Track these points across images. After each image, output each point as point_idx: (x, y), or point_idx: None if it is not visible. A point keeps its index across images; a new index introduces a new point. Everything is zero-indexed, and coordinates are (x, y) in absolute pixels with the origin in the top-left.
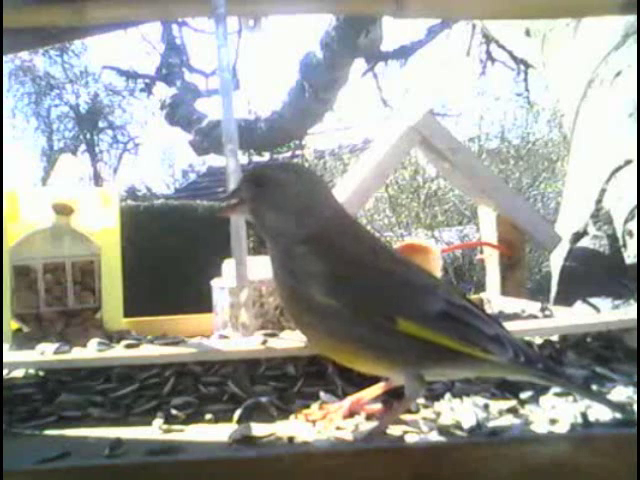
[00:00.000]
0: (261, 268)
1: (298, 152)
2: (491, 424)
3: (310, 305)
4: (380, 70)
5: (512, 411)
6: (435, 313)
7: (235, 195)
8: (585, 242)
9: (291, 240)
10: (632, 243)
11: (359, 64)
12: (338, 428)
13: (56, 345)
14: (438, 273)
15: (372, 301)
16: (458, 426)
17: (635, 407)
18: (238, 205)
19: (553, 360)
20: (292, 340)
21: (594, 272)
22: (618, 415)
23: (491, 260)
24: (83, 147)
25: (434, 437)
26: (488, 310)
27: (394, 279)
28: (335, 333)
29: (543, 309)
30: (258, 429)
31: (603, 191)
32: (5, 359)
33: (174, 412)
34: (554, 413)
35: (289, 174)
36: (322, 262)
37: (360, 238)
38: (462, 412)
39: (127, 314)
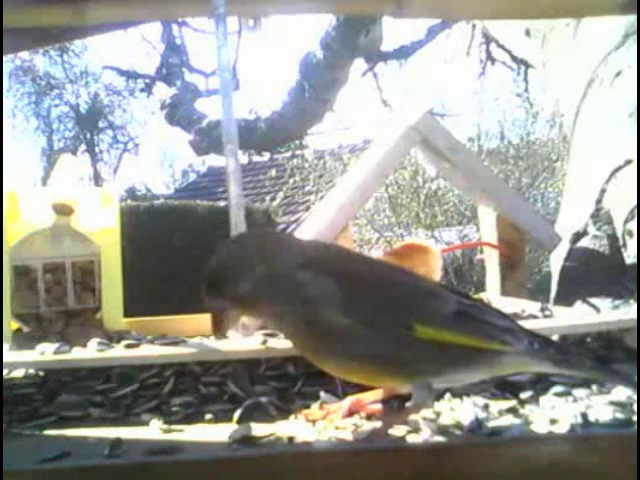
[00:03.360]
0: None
1: (298, 152)
2: (491, 424)
3: (329, 329)
4: (380, 70)
5: (512, 411)
6: (450, 314)
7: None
8: (585, 242)
9: (289, 270)
10: (632, 243)
11: (359, 64)
12: (338, 428)
13: (56, 345)
14: (438, 273)
15: (387, 311)
16: (458, 426)
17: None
18: (225, 316)
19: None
20: None
21: (594, 272)
22: (618, 413)
23: (491, 260)
24: (83, 147)
25: (434, 437)
26: None
27: (403, 286)
28: (356, 353)
29: (543, 309)
30: (258, 429)
31: (603, 191)
32: (5, 359)
33: (174, 412)
34: (554, 413)
35: (233, 248)
36: (331, 281)
37: (352, 254)
38: (462, 412)
39: (127, 314)
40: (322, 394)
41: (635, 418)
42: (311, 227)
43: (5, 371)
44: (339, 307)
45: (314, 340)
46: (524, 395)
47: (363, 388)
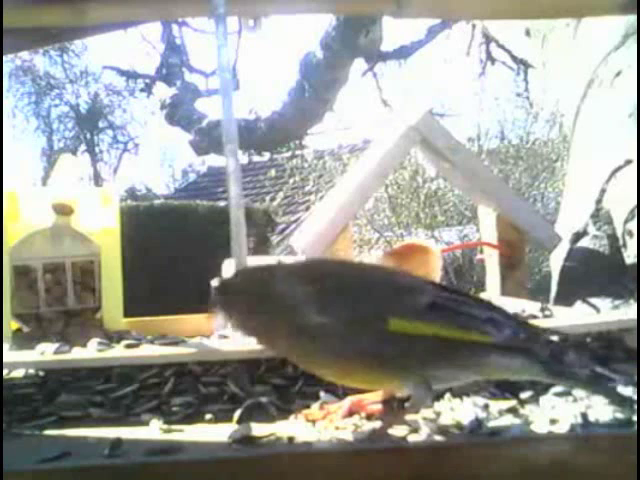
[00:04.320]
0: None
1: (298, 152)
2: (491, 424)
3: (303, 330)
4: (380, 70)
5: (512, 411)
6: (424, 306)
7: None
8: (585, 242)
9: (265, 283)
10: (632, 243)
11: (359, 64)
12: (338, 428)
13: (56, 345)
14: (438, 273)
15: (360, 307)
16: (458, 426)
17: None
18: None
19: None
20: None
21: (594, 272)
22: (618, 413)
23: (491, 260)
24: (83, 147)
25: (434, 437)
26: None
27: (378, 283)
28: (334, 352)
29: (543, 309)
30: (258, 429)
31: (603, 191)
32: (5, 359)
33: (174, 412)
34: (554, 413)
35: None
36: (305, 286)
37: (328, 259)
38: (462, 412)
39: (127, 314)
40: (322, 394)
41: (635, 418)
42: (311, 227)
43: (5, 371)
44: (314, 305)
45: (299, 344)
46: (524, 395)
47: (363, 389)
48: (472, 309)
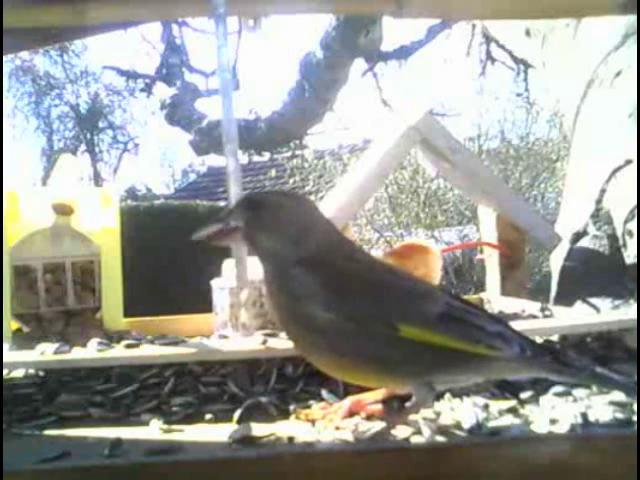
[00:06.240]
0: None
1: (298, 152)
2: (491, 424)
3: (311, 323)
4: (380, 70)
5: (512, 411)
6: (435, 315)
7: (228, 219)
8: (585, 242)
9: (285, 262)
10: (632, 243)
11: (359, 64)
12: (338, 428)
13: (56, 345)
14: (438, 273)
15: (372, 311)
16: (458, 426)
17: (635, 406)
18: (231, 232)
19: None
20: None
21: (594, 272)
22: (618, 413)
23: (491, 260)
24: (83, 147)
25: (434, 437)
26: (488, 310)
27: (392, 288)
28: (339, 350)
29: (543, 309)
30: (258, 429)
31: (603, 191)
32: (5, 359)
33: (174, 412)
34: (554, 413)
35: (282, 199)
36: (319, 280)
37: (354, 255)
38: (462, 412)
39: (127, 314)
40: (324, 394)
41: (635, 418)
42: None
43: (5, 371)
44: (322, 303)
45: (299, 331)
46: (524, 395)
47: (364, 388)
48: (482, 322)
